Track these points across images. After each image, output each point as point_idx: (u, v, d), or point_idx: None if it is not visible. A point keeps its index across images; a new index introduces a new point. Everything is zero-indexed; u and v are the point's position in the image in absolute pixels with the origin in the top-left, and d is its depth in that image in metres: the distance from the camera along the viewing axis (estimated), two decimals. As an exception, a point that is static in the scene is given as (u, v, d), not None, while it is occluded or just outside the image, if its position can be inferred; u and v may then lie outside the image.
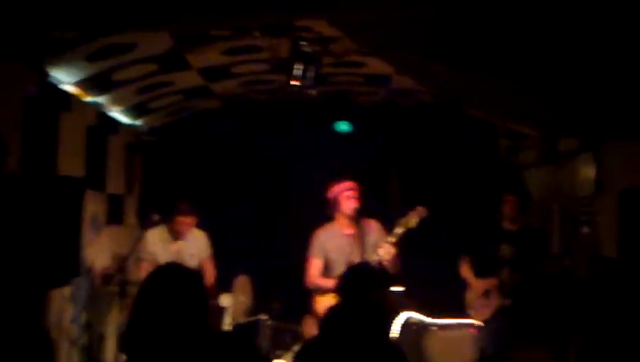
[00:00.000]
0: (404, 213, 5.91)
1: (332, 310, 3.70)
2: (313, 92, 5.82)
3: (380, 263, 5.75)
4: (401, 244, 5.90)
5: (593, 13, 3.19)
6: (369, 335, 3.47)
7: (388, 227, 5.97)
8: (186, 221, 6.50)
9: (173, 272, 2.73)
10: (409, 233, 5.92)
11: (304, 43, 5.34)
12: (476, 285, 6.43)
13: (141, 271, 6.48)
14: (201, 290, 2.69)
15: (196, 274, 2.79)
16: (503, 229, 6.43)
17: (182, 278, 2.67)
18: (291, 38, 5.39)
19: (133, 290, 6.12)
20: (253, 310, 7.37)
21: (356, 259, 5.83)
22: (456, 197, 7.95)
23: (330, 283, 5.45)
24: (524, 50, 3.75)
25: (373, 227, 6.06)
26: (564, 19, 3.30)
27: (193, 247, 6.62)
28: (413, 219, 5.84)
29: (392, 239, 5.82)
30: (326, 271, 6.01)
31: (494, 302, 6.29)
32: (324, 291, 5.81)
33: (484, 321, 6.38)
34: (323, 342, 3.54)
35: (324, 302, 5.66)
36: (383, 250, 5.79)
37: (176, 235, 6.55)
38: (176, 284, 2.63)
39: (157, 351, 2.51)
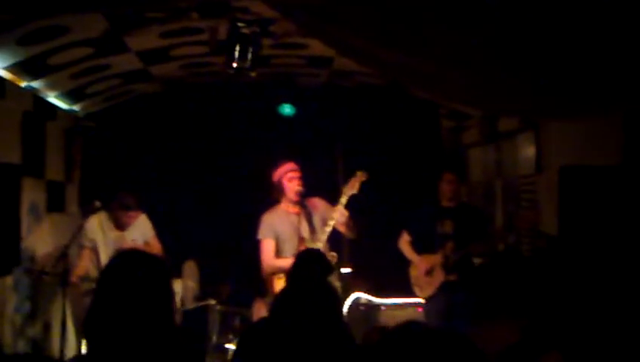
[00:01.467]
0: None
1: (281, 293, 3.69)
2: (253, 74, 5.75)
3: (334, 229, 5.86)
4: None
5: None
6: (319, 317, 3.47)
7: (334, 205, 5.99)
8: (131, 215, 6.41)
9: (136, 258, 2.68)
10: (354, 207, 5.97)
11: (242, 24, 5.27)
12: (420, 262, 6.50)
13: (82, 259, 6.39)
14: (164, 277, 2.64)
15: (160, 261, 2.74)
16: (442, 206, 6.50)
17: (145, 264, 2.62)
18: (229, 20, 5.32)
19: (75, 279, 6.08)
20: (202, 295, 7.33)
21: (306, 236, 5.85)
22: (399, 176, 8.00)
23: (287, 262, 5.44)
24: (465, 32, 3.75)
25: (319, 204, 6.09)
26: (504, 1, 3.31)
27: (135, 232, 6.51)
28: (356, 184, 5.90)
29: (341, 206, 5.87)
30: (277, 253, 6.01)
31: (438, 278, 6.36)
32: (281, 272, 5.80)
33: (429, 298, 6.45)
34: (271, 324, 3.52)
35: (282, 283, 5.68)
36: (338, 213, 5.83)
37: (120, 226, 6.45)
38: (139, 270, 2.58)
39: (118, 339, 2.46)
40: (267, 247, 5.96)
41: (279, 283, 5.78)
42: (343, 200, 5.88)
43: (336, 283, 5.77)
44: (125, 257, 2.71)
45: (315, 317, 3.42)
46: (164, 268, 2.67)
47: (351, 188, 5.90)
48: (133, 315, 2.48)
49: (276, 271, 5.87)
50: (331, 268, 4.89)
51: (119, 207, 6.36)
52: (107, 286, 2.57)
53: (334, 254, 5.87)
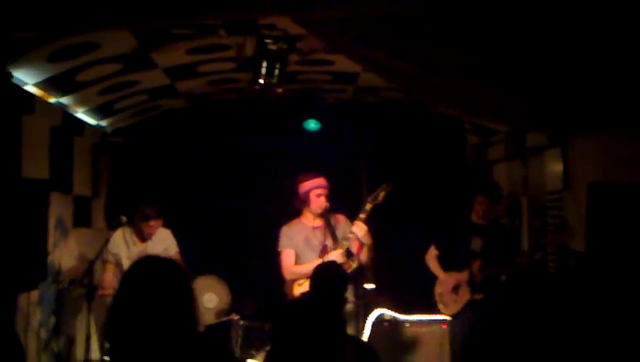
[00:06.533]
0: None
1: (302, 308, 3.67)
2: (279, 90, 5.77)
3: (354, 244, 5.79)
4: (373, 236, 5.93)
5: (558, 10, 3.20)
6: (341, 333, 3.45)
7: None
8: (152, 225, 6.45)
9: (152, 263, 2.67)
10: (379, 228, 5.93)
11: (269, 41, 5.30)
12: (446, 279, 6.45)
13: (106, 273, 6.44)
14: (184, 283, 2.64)
15: (178, 266, 2.71)
16: (473, 223, 6.44)
17: (160, 269, 2.62)
18: (257, 36, 5.35)
19: (102, 292, 6.11)
20: (226, 310, 7.34)
21: (325, 249, 5.84)
22: (423, 191, 7.97)
23: (307, 268, 5.50)
24: (490, 48, 3.75)
25: (341, 220, 6.06)
26: (529, 17, 3.30)
27: (158, 247, 6.54)
28: (381, 194, 5.85)
29: (363, 216, 5.83)
30: (296, 263, 6.00)
31: (464, 296, 6.31)
32: (301, 277, 5.81)
33: (454, 315, 6.40)
34: (294, 341, 3.50)
35: (302, 290, 5.70)
36: (357, 228, 5.79)
37: (142, 237, 6.51)
38: (155, 275, 2.59)
39: (139, 345, 2.48)
40: (287, 256, 5.97)
41: (299, 290, 5.79)
42: (368, 207, 5.84)
43: (351, 298, 5.75)
44: (145, 263, 2.71)
45: (333, 334, 3.41)
46: (184, 273, 2.66)
47: (377, 198, 5.87)
48: (154, 321, 2.48)
49: (296, 278, 5.86)
50: (346, 279, 4.86)
51: (140, 218, 6.41)
52: (127, 292, 2.57)
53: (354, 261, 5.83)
